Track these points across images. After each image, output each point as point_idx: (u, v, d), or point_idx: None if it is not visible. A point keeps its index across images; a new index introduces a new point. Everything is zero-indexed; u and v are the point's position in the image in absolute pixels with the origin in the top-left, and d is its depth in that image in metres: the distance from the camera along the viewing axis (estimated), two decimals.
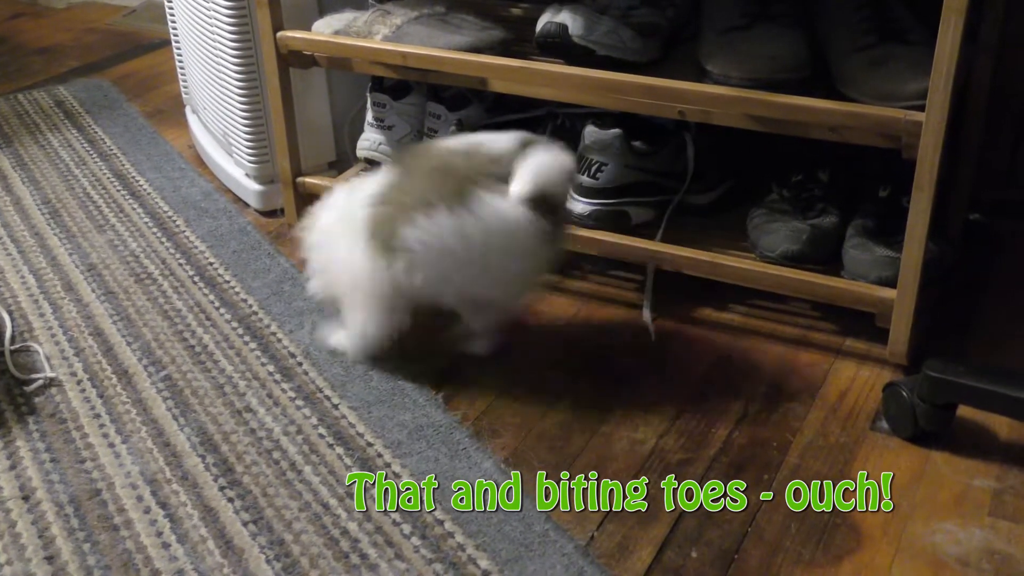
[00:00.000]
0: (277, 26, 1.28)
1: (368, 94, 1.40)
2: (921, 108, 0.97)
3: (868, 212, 1.15)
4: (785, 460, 0.99)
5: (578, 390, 1.09)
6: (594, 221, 1.21)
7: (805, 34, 1.13)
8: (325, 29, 1.31)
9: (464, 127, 1.32)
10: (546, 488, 0.95)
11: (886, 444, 1.00)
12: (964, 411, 1.01)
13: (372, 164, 1.41)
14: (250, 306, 1.24)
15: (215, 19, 1.38)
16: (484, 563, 0.87)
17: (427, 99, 1.38)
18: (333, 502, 0.94)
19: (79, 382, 1.11)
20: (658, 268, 1.20)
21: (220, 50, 1.39)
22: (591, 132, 1.20)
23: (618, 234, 1.19)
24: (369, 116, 1.41)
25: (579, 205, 1.22)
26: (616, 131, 1.18)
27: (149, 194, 1.52)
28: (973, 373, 0.95)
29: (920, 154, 0.98)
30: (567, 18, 1.16)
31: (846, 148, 1.09)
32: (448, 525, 0.91)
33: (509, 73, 1.17)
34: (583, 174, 1.21)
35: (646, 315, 1.20)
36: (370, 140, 1.41)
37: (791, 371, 1.11)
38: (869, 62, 1.06)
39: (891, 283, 1.06)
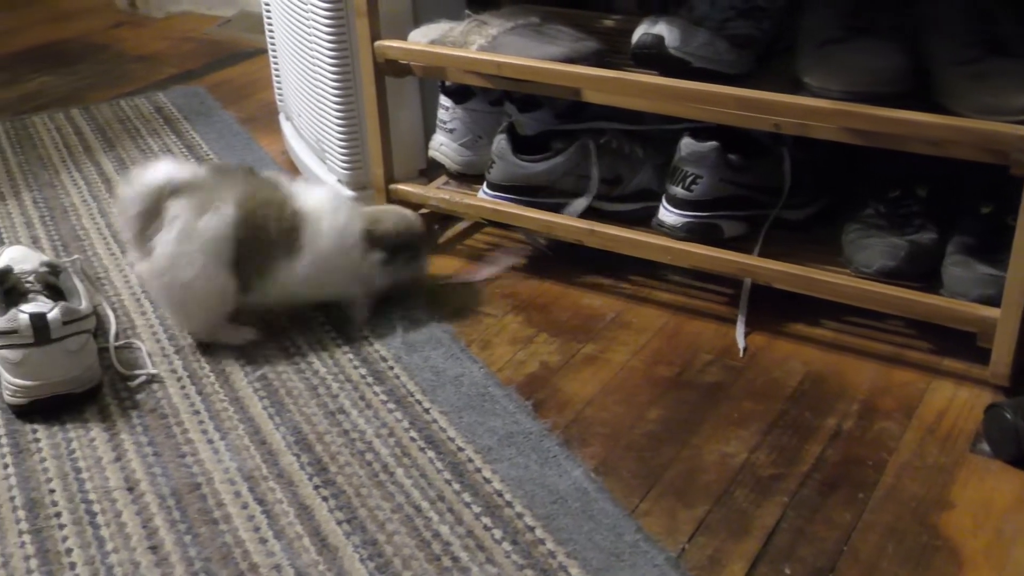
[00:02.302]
0: (375, 35, 1.31)
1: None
2: None
3: (969, 229, 1.13)
4: (881, 479, 0.97)
5: (667, 402, 1.09)
6: (686, 233, 1.20)
7: (906, 47, 1.11)
8: (421, 39, 1.34)
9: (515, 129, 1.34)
10: (636, 498, 0.95)
11: (987, 467, 0.98)
12: None
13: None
14: (342, 310, 1.26)
15: (313, 28, 1.41)
16: (575, 571, 0.87)
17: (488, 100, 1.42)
18: (425, 505, 0.95)
19: (179, 379, 1.14)
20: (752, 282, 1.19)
21: (317, 58, 1.43)
22: (687, 144, 1.19)
23: (712, 247, 1.19)
24: (438, 117, 1.44)
25: (671, 216, 1.21)
26: (713, 143, 1.18)
27: None
28: None
29: None
30: (663, 29, 1.16)
31: (943, 164, 1.07)
32: (539, 532, 0.91)
33: (603, 84, 1.18)
34: (677, 186, 1.21)
35: (739, 329, 1.19)
36: (436, 140, 1.45)
37: (886, 389, 1.10)
38: (973, 75, 1.04)
39: (994, 302, 1.03)
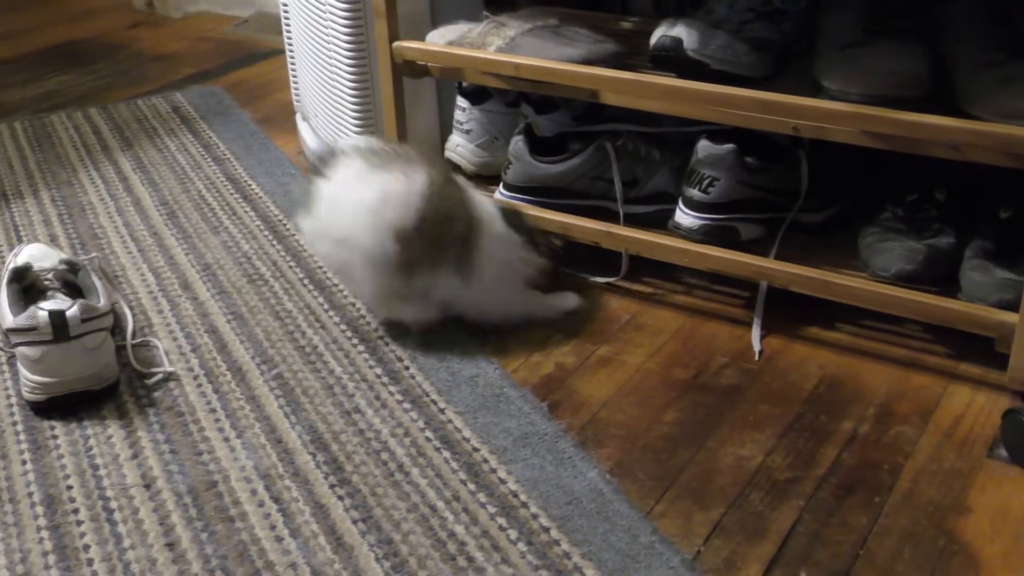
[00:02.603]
0: (393, 36, 1.31)
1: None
2: None
3: (988, 233, 1.12)
4: (897, 484, 0.97)
5: (683, 404, 1.09)
6: (703, 236, 1.20)
7: (927, 50, 1.11)
8: (439, 40, 1.34)
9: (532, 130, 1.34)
10: (652, 500, 0.95)
11: (1005, 472, 0.97)
12: None
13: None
14: (358, 309, 1.26)
15: (331, 28, 1.42)
16: (590, 572, 0.87)
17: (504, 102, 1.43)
18: (440, 504, 0.95)
19: (195, 377, 1.14)
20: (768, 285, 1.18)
21: (335, 58, 1.43)
22: (704, 146, 1.19)
23: (728, 250, 1.18)
24: (455, 117, 1.44)
25: (688, 219, 1.21)
26: (730, 146, 1.18)
27: (260, 198, 1.56)
28: None
29: None
30: (682, 32, 1.16)
31: (961, 168, 1.07)
32: (554, 533, 0.91)
33: (621, 86, 1.18)
34: (694, 188, 1.20)
35: (755, 332, 1.19)
36: (452, 141, 1.46)
37: (902, 394, 1.09)
38: (997, 80, 1.03)
39: (1012, 307, 1.03)
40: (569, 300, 1.25)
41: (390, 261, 1.10)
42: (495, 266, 1.16)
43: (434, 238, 1.11)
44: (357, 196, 1.08)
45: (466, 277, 1.14)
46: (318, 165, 1.12)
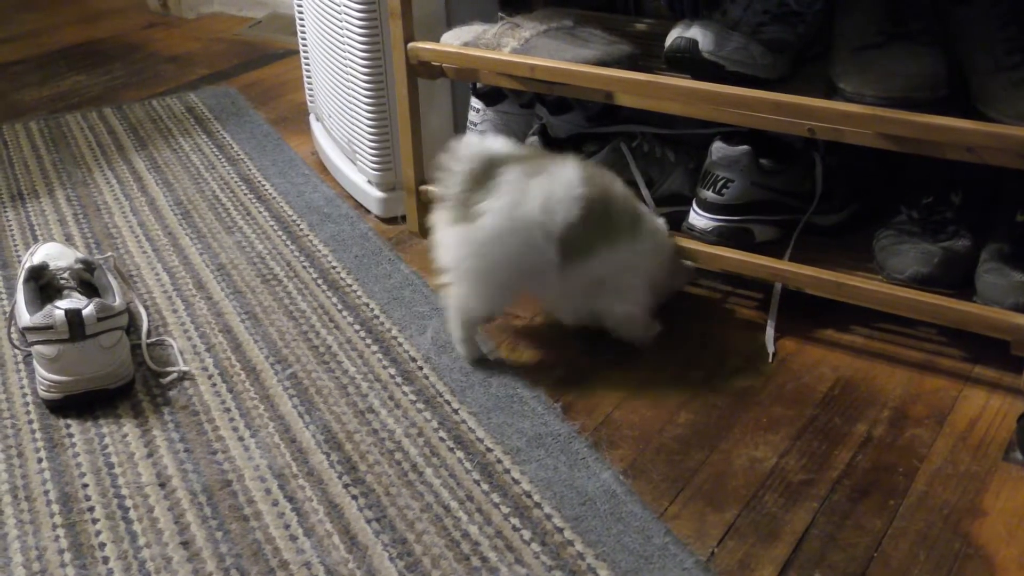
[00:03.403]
0: (408, 37, 1.32)
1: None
2: None
3: (1004, 236, 1.12)
4: (912, 486, 0.96)
5: (696, 405, 1.09)
6: (717, 237, 1.20)
7: (943, 53, 1.10)
8: (454, 41, 1.34)
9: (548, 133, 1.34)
10: (666, 501, 0.95)
11: (1020, 475, 0.97)
12: None
13: None
14: (371, 310, 1.27)
15: (346, 29, 1.42)
16: (603, 573, 0.87)
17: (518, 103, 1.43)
18: (454, 505, 0.95)
19: (210, 376, 1.15)
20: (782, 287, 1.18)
21: (349, 59, 1.43)
22: (719, 148, 1.19)
23: (742, 251, 1.18)
24: (469, 118, 1.44)
25: (702, 220, 1.21)
26: (744, 147, 1.18)
27: (274, 198, 1.57)
28: None
29: None
30: (697, 33, 1.16)
31: (977, 171, 1.06)
32: (568, 533, 0.91)
33: (636, 87, 1.18)
34: (708, 190, 1.20)
35: (769, 334, 1.18)
36: None
37: (917, 396, 1.09)
38: (1013, 82, 1.03)
39: None
40: (654, 326, 1.19)
41: (549, 268, 1.10)
42: (647, 250, 1.14)
43: (602, 215, 1.09)
44: (517, 211, 1.07)
45: (636, 240, 1.12)
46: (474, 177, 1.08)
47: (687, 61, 1.16)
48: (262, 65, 2.22)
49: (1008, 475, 0.97)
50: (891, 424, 1.05)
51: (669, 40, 1.18)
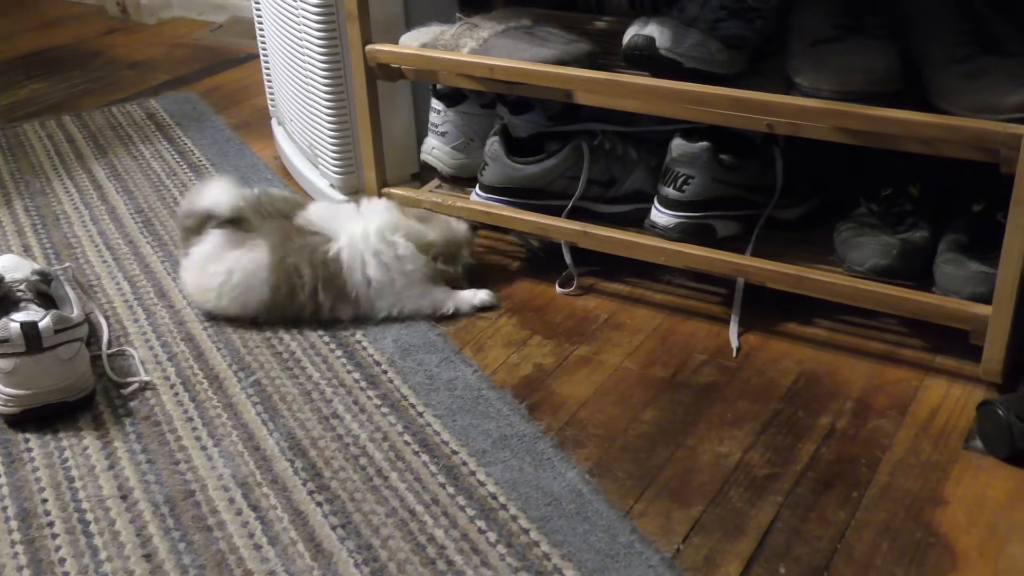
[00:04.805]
0: (366, 39, 1.31)
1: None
2: (1020, 121, 0.95)
3: (961, 227, 1.13)
4: (875, 477, 0.97)
5: (661, 403, 1.09)
6: (679, 234, 1.21)
7: (897, 46, 1.11)
8: (412, 42, 1.33)
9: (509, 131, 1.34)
10: (631, 499, 0.95)
11: (980, 463, 0.98)
12: None
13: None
14: None
15: (305, 32, 1.41)
16: (569, 573, 0.87)
17: (479, 103, 1.43)
18: (420, 508, 0.95)
19: (172, 386, 1.14)
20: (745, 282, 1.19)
21: (308, 62, 1.43)
22: (678, 145, 1.19)
23: (705, 247, 1.19)
24: (430, 120, 1.43)
25: (664, 217, 1.21)
26: (704, 144, 1.18)
27: None
28: None
29: (1019, 168, 0.96)
30: (654, 31, 1.16)
31: (935, 163, 1.07)
32: (534, 534, 0.91)
33: (595, 85, 1.18)
34: (669, 187, 1.21)
35: (733, 329, 1.19)
36: (428, 144, 1.45)
37: (879, 387, 1.10)
38: (966, 74, 1.04)
39: (986, 299, 1.04)
40: (480, 296, 1.27)
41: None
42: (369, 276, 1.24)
43: (296, 292, 1.23)
44: (216, 265, 1.24)
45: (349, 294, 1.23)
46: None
47: (645, 58, 1.16)
48: (223, 70, 2.21)
49: (968, 463, 0.98)
50: (854, 416, 1.05)
51: (626, 38, 1.18)
